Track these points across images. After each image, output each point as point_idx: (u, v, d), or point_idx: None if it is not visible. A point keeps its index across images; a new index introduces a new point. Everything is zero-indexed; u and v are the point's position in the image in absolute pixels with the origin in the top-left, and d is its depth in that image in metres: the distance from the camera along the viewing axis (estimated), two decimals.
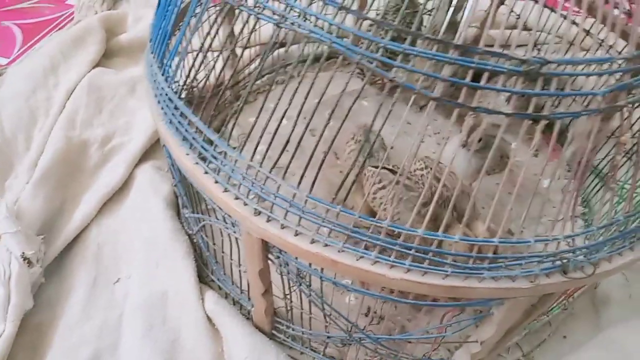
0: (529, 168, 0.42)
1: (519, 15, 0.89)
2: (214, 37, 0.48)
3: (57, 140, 0.82)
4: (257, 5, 0.42)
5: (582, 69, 0.37)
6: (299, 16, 0.40)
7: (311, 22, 0.39)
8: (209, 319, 0.66)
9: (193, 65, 0.50)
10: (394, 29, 0.36)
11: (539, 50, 0.92)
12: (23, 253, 0.67)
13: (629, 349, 0.67)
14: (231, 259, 0.61)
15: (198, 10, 0.50)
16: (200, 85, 0.54)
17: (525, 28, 0.92)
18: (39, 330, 0.67)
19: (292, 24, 0.40)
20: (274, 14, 0.41)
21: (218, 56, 0.53)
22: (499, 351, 0.64)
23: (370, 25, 0.38)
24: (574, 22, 0.74)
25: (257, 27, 0.93)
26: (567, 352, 0.68)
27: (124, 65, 1.04)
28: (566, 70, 0.37)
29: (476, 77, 0.36)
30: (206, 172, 0.48)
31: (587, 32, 0.76)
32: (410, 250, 0.41)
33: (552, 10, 0.83)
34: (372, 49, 0.37)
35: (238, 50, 0.95)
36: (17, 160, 0.82)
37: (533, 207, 0.41)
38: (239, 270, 0.61)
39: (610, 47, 0.53)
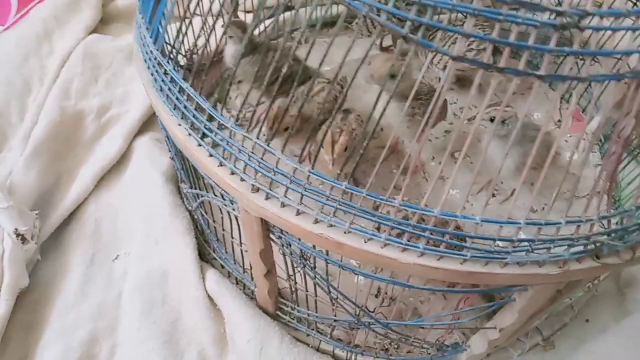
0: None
1: None
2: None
3: (51, 111, 0.78)
4: None
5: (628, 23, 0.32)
6: None
7: None
8: (211, 299, 0.63)
9: (178, 30, 0.45)
10: None
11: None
12: (16, 229, 0.64)
13: None
14: (232, 238, 0.57)
15: None
16: (200, 52, 0.49)
17: None
18: (35, 309, 0.65)
19: None
20: None
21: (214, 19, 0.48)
22: (518, 336, 0.60)
23: None
24: None
25: None
26: (590, 337, 0.64)
27: (121, 31, 0.98)
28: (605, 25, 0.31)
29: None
30: (200, 145, 0.43)
31: None
32: (425, 231, 0.37)
33: None
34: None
35: (241, 15, 0.90)
36: (10, 132, 0.79)
37: (557, 182, 0.36)
38: (241, 249, 0.58)
39: None
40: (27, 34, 0.90)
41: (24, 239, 0.64)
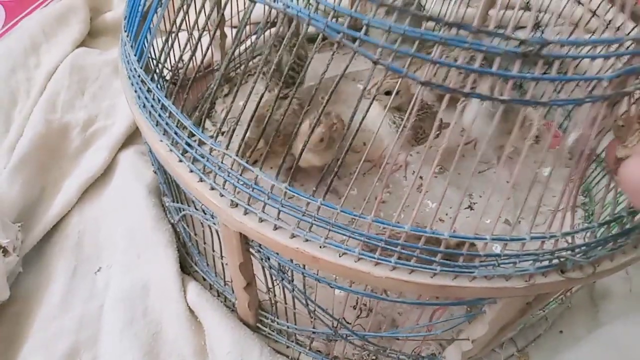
0: (529, 156, 0.39)
1: None
2: (185, 10, 0.43)
3: (37, 123, 0.79)
4: None
5: (588, 51, 0.34)
6: None
7: None
8: (192, 311, 0.64)
9: (163, 44, 0.46)
10: (378, 5, 0.32)
11: (542, 32, 0.88)
12: None
13: (628, 345, 0.65)
14: (213, 251, 0.58)
15: None
16: (187, 66, 0.50)
17: (527, 8, 0.87)
18: (16, 321, 0.65)
19: None
20: None
21: (200, 33, 0.49)
22: (492, 347, 0.62)
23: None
24: (578, 2, 0.71)
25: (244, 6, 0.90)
26: (564, 348, 0.66)
27: (109, 44, 1.00)
28: (569, 52, 0.33)
29: None
30: (181, 161, 0.45)
31: (594, 13, 0.72)
32: (397, 246, 0.38)
33: None
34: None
35: (227, 31, 0.91)
36: None
37: (533, 196, 0.38)
38: (222, 262, 0.59)
39: (618, 29, 0.49)
40: (14, 46, 0.91)
41: (5, 252, 0.65)
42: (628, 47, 0.35)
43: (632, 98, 0.40)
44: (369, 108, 0.37)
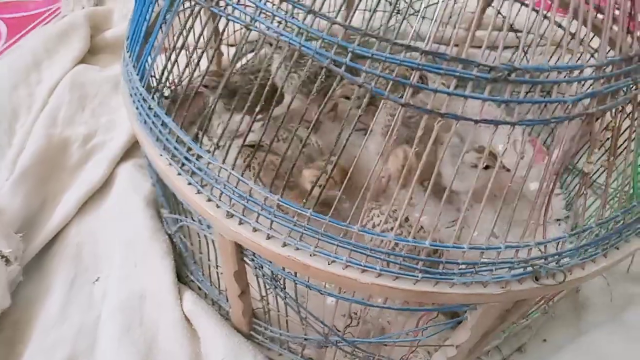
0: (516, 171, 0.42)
1: (505, 16, 0.89)
2: (186, 34, 0.47)
3: (38, 138, 0.81)
4: (227, 6, 0.41)
5: (547, 76, 0.37)
6: (269, 19, 0.39)
7: (281, 25, 0.39)
8: (187, 320, 0.66)
9: (166, 63, 0.49)
10: (363, 34, 0.35)
11: (525, 52, 0.92)
12: (0, 251, 0.66)
13: (609, 353, 0.67)
14: (209, 260, 0.60)
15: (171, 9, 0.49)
16: (184, 83, 0.53)
17: (511, 29, 0.91)
18: (17, 329, 0.67)
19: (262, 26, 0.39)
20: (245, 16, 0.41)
21: (199, 54, 0.52)
22: (478, 354, 0.64)
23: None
24: (544, 16, 0.76)
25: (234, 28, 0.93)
26: (547, 356, 0.68)
27: (109, 61, 1.03)
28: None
29: None
30: (179, 174, 0.47)
31: (559, 25, 0.76)
32: (381, 255, 0.41)
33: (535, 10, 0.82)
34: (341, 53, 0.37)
35: (223, 49, 0.95)
36: None
37: (519, 210, 0.41)
38: (217, 272, 0.61)
39: (582, 41, 0.50)
40: (17, 62, 0.94)
41: (7, 261, 0.67)
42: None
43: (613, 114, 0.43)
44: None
